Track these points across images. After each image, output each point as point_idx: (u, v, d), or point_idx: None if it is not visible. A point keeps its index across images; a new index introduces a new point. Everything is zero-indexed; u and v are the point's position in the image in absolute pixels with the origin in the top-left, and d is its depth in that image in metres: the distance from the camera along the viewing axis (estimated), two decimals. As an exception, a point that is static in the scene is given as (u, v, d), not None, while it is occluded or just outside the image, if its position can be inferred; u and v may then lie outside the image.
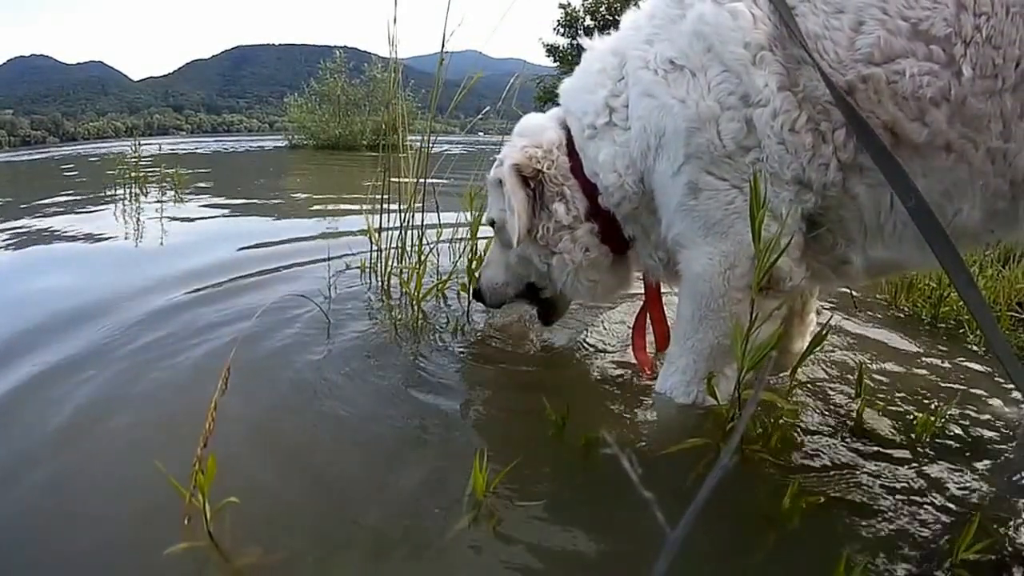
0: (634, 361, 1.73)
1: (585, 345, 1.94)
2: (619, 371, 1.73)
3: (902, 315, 2.27)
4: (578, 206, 1.56)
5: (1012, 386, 1.67)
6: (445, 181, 2.54)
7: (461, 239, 2.50)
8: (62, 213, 4.83)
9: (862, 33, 1.14)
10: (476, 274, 1.95)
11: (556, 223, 1.57)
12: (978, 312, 1.01)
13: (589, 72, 1.51)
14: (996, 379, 1.73)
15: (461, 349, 1.89)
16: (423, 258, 2.25)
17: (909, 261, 1.35)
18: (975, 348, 1.98)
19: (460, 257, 2.44)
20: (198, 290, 2.42)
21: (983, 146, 1.12)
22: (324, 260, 2.44)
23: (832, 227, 1.32)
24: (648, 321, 1.77)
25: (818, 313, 1.83)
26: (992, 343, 0.99)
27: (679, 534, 0.40)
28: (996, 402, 1.59)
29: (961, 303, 2.20)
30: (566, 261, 1.59)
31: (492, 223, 1.76)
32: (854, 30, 1.15)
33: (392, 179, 2.38)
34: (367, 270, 2.47)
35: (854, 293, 2.34)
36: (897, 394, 1.61)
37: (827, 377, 1.69)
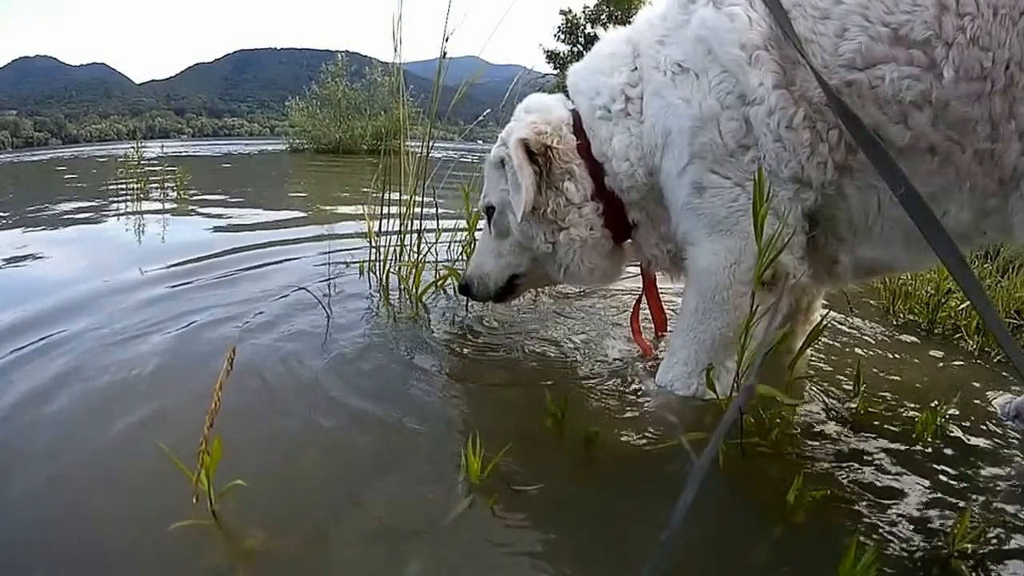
0: (634, 352, 1.76)
1: (584, 339, 1.94)
2: (618, 364, 1.74)
3: (899, 321, 2.29)
4: (585, 185, 1.56)
5: (1010, 384, 1.70)
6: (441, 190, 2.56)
7: (460, 229, 2.50)
8: (64, 213, 4.83)
9: (845, 39, 1.16)
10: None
11: (566, 200, 1.57)
12: (971, 292, 1.00)
13: (601, 55, 1.53)
14: (993, 381, 1.75)
15: (460, 342, 1.90)
16: (422, 255, 2.26)
17: (896, 262, 1.38)
18: (973, 351, 1.99)
19: (460, 254, 2.46)
20: (200, 282, 2.44)
21: (970, 148, 1.13)
22: (324, 258, 2.45)
23: (824, 226, 1.34)
24: (646, 308, 1.81)
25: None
26: (984, 317, 0.99)
27: (704, 461, 0.41)
28: (995, 403, 1.60)
29: (958, 309, 2.22)
30: (572, 237, 1.59)
31: (489, 209, 1.74)
32: (838, 36, 1.17)
33: (392, 180, 2.40)
34: (366, 269, 2.48)
35: (849, 298, 2.36)
36: (896, 394, 1.61)
37: (826, 376, 1.70)
